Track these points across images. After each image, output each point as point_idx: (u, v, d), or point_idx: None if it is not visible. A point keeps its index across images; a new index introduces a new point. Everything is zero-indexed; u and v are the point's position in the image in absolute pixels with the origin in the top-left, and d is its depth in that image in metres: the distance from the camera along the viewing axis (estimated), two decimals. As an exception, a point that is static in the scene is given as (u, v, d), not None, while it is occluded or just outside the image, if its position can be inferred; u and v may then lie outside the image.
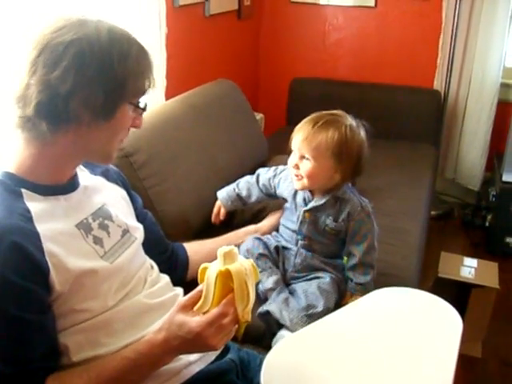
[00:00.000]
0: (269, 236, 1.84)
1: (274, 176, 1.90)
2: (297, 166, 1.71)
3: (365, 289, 1.68)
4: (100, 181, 1.36)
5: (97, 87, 1.09)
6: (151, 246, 1.45)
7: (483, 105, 3.49)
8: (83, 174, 1.30)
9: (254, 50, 3.95)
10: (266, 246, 1.77)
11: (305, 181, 1.70)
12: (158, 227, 1.59)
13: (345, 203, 1.73)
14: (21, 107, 1.09)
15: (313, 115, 1.72)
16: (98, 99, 1.09)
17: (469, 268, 2.45)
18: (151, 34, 2.39)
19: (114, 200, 1.36)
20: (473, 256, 2.60)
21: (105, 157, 1.23)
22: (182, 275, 1.61)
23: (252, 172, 2.46)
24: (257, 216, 2.05)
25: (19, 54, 1.10)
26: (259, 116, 3.45)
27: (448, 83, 3.54)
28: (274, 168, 1.92)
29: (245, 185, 1.95)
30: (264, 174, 1.93)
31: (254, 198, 1.94)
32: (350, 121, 1.72)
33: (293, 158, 1.72)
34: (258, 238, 1.79)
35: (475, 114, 3.55)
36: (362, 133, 1.74)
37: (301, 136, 1.68)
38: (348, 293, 1.71)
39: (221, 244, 1.66)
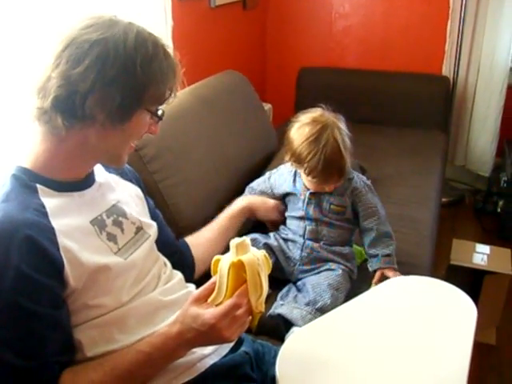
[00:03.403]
0: (270, 234, 1.85)
1: (269, 178, 1.94)
2: (321, 189, 1.76)
3: (393, 260, 1.70)
4: (114, 178, 1.36)
5: (116, 90, 1.09)
6: (160, 249, 1.44)
7: (492, 90, 3.47)
8: (99, 171, 1.30)
9: (261, 40, 3.93)
10: (267, 245, 1.79)
11: (326, 189, 1.76)
12: (169, 229, 1.58)
13: (348, 180, 1.76)
14: (40, 98, 1.09)
15: (302, 143, 1.70)
16: (115, 102, 1.09)
17: (481, 255, 2.44)
18: (157, 27, 2.37)
19: (129, 198, 1.36)
20: (485, 242, 2.59)
21: (115, 159, 1.23)
22: (190, 276, 1.59)
23: (261, 163, 2.47)
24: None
25: (46, 45, 1.11)
26: (267, 106, 3.44)
27: (457, 69, 3.51)
28: (265, 177, 1.98)
29: None
30: (256, 184, 1.99)
31: None
32: (332, 125, 1.70)
33: (313, 186, 1.77)
34: (258, 237, 1.81)
35: (485, 100, 3.53)
36: (342, 125, 1.72)
37: (314, 181, 1.73)
38: (378, 272, 1.70)
39: (215, 229, 1.72)
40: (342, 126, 1.71)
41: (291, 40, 3.91)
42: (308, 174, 1.71)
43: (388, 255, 1.70)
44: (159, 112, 1.20)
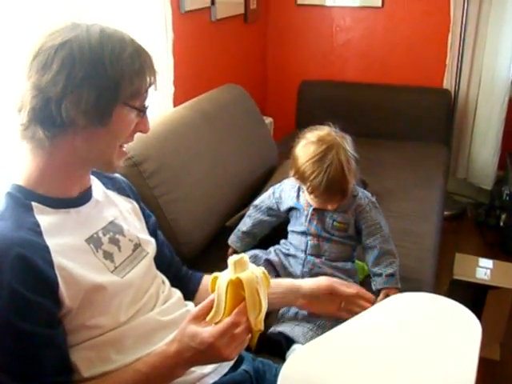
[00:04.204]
0: (271, 249, 1.82)
1: (273, 193, 1.91)
2: (324, 207, 1.74)
3: (396, 280, 1.68)
4: (111, 194, 1.34)
5: (88, 90, 1.07)
6: (160, 268, 1.42)
7: (494, 103, 3.46)
8: (96, 188, 1.29)
9: (262, 53, 3.93)
10: (268, 261, 1.77)
11: (329, 208, 1.74)
12: (169, 249, 1.55)
13: (353, 197, 1.75)
14: (21, 114, 1.09)
15: (306, 162, 1.67)
16: (89, 102, 1.07)
17: (484, 269, 2.42)
18: (158, 41, 2.37)
19: (126, 213, 1.34)
20: (488, 256, 2.57)
21: (106, 164, 1.21)
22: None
23: (262, 177, 2.46)
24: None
25: (19, 60, 1.10)
26: (268, 120, 3.43)
27: (458, 82, 3.52)
28: (269, 192, 1.93)
29: (247, 220, 1.93)
30: (260, 201, 1.94)
31: (260, 227, 1.92)
32: (337, 146, 1.67)
33: (316, 204, 1.74)
34: (259, 253, 1.78)
35: (486, 112, 3.52)
36: (348, 146, 1.70)
37: (316, 200, 1.72)
38: (382, 294, 1.67)
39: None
40: (348, 146, 1.69)
41: (292, 53, 3.91)
42: (311, 193, 1.70)
43: (391, 274, 1.68)
44: (145, 105, 1.18)
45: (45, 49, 1.06)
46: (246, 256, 1.13)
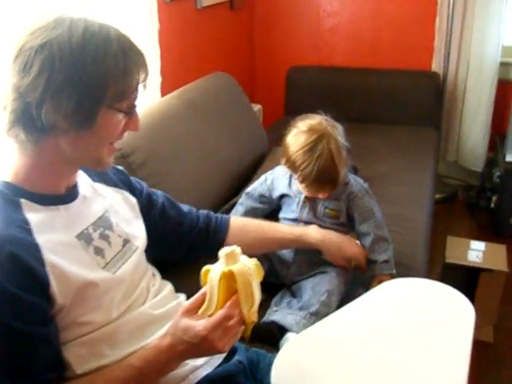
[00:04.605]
0: None
1: (265, 180, 1.90)
2: (315, 196, 1.74)
3: (391, 266, 1.69)
4: (99, 187, 1.31)
5: (68, 93, 1.03)
6: (172, 232, 1.49)
7: (483, 85, 3.45)
8: (83, 182, 1.26)
9: (249, 40, 3.91)
10: None
11: (320, 197, 1.74)
12: (175, 209, 1.55)
13: (344, 185, 1.75)
14: (4, 114, 1.06)
15: (297, 151, 1.68)
16: (70, 106, 1.03)
17: (476, 252, 2.42)
18: (143, 30, 2.35)
19: (116, 205, 1.32)
20: (479, 238, 2.57)
21: (96, 163, 1.18)
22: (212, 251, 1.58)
23: (253, 165, 2.44)
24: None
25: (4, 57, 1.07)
26: (257, 107, 3.42)
27: (446, 65, 3.50)
28: (261, 179, 1.92)
29: (239, 208, 1.92)
30: (253, 189, 1.92)
31: (252, 215, 1.89)
32: (328, 135, 1.67)
33: (307, 193, 1.74)
34: None
35: (475, 95, 3.51)
36: (339, 136, 1.70)
37: (307, 189, 1.72)
38: (376, 278, 1.68)
39: (264, 239, 1.67)
40: (339, 136, 1.69)
41: (279, 39, 3.88)
42: (301, 182, 1.70)
43: (386, 261, 1.69)
44: (128, 108, 1.13)
45: (25, 49, 1.02)
46: (238, 248, 1.12)
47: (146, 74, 1.13)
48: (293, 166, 1.69)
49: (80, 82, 1.03)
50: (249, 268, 1.11)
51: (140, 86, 1.13)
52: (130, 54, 1.09)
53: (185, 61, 2.87)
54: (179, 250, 1.58)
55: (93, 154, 1.14)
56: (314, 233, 1.68)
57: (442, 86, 3.53)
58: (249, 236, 1.65)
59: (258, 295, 1.12)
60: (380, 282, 1.64)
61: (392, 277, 1.67)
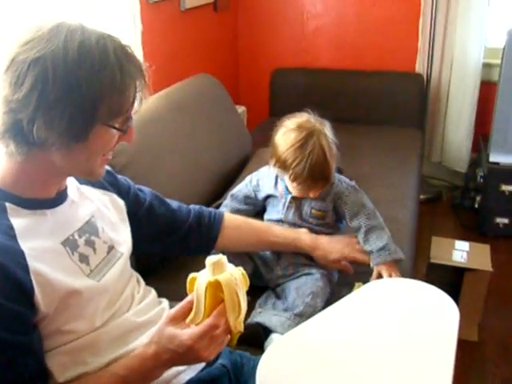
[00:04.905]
0: None
1: (251, 181, 1.89)
2: (305, 195, 1.73)
3: (389, 251, 1.66)
4: (86, 189, 1.29)
5: (61, 111, 0.99)
6: (162, 230, 1.50)
7: (466, 86, 3.47)
8: (70, 185, 1.24)
9: (233, 42, 3.90)
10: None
11: (311, 195, 1.73)
12: (163, 207, 1.55)
13: (330, 185, 1.74)
14: None
15: (288, 148, 1.67)
16: (62, 124, 1.00)
17: (461, 252, 2.42)
18: (126, 32, 2.33)
19: (103, 208, 1.31)
20: (464, 238, 2.58)
21: (87, 174, 1.17)
22: (206, 249, 1.62)
23: (237, 167, 2.43)
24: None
25: None
26: (241, 109, 3.41)
27: (430, 66, 3.52)
28: (246, 181, 1.91)
29: (223, 210, 1.88)
30: (238, 190, 1.91)
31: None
32: (318, 132, 1.67)
33: (297, 192, 1.73)
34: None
35: (459, 96, 3.53)
36: (328, 132, 1.70)
37: (299, 188, 1.70)
38: (374, 272, 1.67)
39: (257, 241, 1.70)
40: (328, 132, 1.69)
41: (263, 41, 3.88)
42: (293, 181, 1.69)
43: (381, 248, 1.66)
44: (121, 124, 1.10)
45: (17, 61, 0.99)
46: (224, 257, 1.12)
47: (145, 85, 1.10)
48: (283, 165, 1.67)
49: (73, 100, 1.00)
50: (235, 278, 1.11)
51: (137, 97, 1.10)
52: (127, 69, 1.05)
53: (168, 63, 2.86)
54: (170, 246, 1.60)
55: (84, 166, 1.12)
56: (305, 238, 1.70)
57: (426, 87, 3.55)
58: (242, 236, 1.67)
59: (244, 305, 1.13)
60: (378, 274, 1.65)
61: (394, 262, 1.65)
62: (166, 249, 1.62)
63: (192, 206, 1.64)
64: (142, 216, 1.47)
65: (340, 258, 1.69)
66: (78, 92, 0.99)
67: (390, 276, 1.62)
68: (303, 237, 1.71)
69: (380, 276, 1.64)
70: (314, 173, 1.64)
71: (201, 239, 1.61)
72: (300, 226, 1.75)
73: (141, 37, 2.44)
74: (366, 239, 1.69)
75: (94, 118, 1.03)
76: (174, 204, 1.59)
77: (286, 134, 1.68)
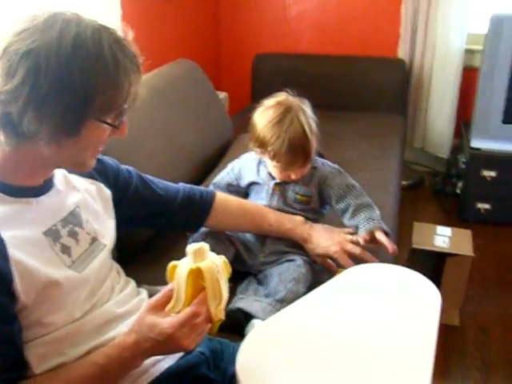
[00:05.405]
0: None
1: (233, 169, 1.87)
2: (287, 177, 1.72)
3: (379, 221, 1.64)
4: (73, 178, 1.27)
5: (53, 105, 0.97)
6: (149, 212, 1.52)
7: (449, 72, 3.47)
8: (58, 173, 1.22)
9: (215, 27, 3.86)
10: (227, 237, 1.73)
11: (292, 177, 1.71)
12: (150, 189, 1.53)
13: (313, 169, 1.74)
14: None
15: (267, 125, 1.66)
16: (54, 118, 0.98)
17: (442, 237, 2.43)
18: (105, 17, 2.29)
19: (88, 198, 1.28)
20: (446, 224, 2.59)
21: (77, 166, 1.16)
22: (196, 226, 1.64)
23: (218, 152, 2.42)
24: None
25: None
26: (223, 95, 3.39)
27: (412, 52, 3.52)
28: (228, 169, 1.89)
29: None
30: (220, 178, 1.89)
31: None
32: (296, 107, 1.66)
33: (279, 174, 1.72)
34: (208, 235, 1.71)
35: (441, 82, 3.53)
36: (308, 109, 1.69)
37: (279, 165, 1.68)
38: (363, 233, 1.64)
39: (245, 220, 1.70)
40: (307, 109, 1.68)
41: (245, 26, 3.85)
42: (272, 158, 1.67)
43: (371, 218, 1.65)
44: (114, 119, 1.08)
45: (10, 51, 0.96)
46: (206, 245, 1.10)
47: (136, 85, 1.08)
48: (262, 143, 1.66)
49: (65, 95, 0.98)
50: (217, 265, 1.09)
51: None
52: (122, 63, 1.03)
53: (149, 48, 2.78)
54: (159, 226, 1.65)
55: (75, 159, 1.11)
56: (300, 231, 1.69)
57: (408, 72, 3.54)
58: (233, 219, 1.68)
59: (225, 293, 1.11)
60: (371, 234, 1.63)
61: (384, 232, 1.63)
62: (155, 228, 1.68)
63: (182, 185, 1.63)
64: (129, 200, 1.46)
65: (324, 254, 1.68)
66: (71, 86, 0.98)
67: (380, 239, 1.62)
68: (298, 229, 1.69)
69: (372, 237, 1.63)
70: (293, 147, 1.62)
71: (190, 219, 1.61)
72: (284, 212, 1.73)
73: (121, 22, 2.39)
74: (354, 215, 1.68)
75: (87, 113, 1.02)
76: (162, 184, 1.58)
77: (264, 112, 1.68)
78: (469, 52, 3.47)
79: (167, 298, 1.10)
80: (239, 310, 1.55)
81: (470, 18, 3.38)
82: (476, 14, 3.43)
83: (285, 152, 1.62)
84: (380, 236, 1.62)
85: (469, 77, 3.49)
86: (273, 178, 1.75)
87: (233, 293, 1.64)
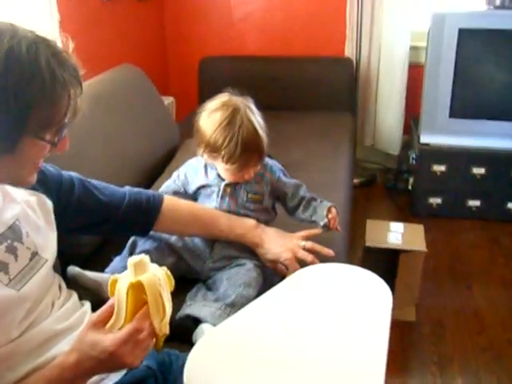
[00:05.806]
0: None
1: (178, 176, 1.83)
2: (240, 178, 1.69)
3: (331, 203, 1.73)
4: (12, 190, 1.20)
5: None
6: (93, 221, 1.48)
7: (395, 69, 3.50)
8: None
9: (159, 31, 3.81)
10: (168, 245, 1.68)
11: (246, 177, 1.69)
12: (94, 198, 1.49)
13: (263, 166, 1.73)
14: None
15: (216, 129, 1.62)
16: None
17: (395, 233, 2.44)
18: (42, 24, 2.23)
19: (29, 210, 1.22)
20: (399, 220, 2.60)
21: (15, 182, 1.10)
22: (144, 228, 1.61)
23: (164, 159, 2.37)
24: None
25: None
26: (170, 100, 3.34)
27: (359, 51, 3.54)
28: (173, 177, 1.85)
29: None
30: (166, 187, 1.84)
31: None
32: (243, 106, 1.64)
33: (232, 176, 1.69)
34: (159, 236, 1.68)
35: (388, 79, 3.56)
36: (253, 106, 1.68)
37: (234, 167, 1.64)
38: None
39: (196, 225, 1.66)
40: (253, 106, 1.66)
41: (191, 30, 3.81)
42: (227, 162, 1.63)
43: (323, 202, 1.73)
44: (52, 137, 1.03)
45: None
46: (146, 257, 1.04)
47: (80, 93, 1.04)
48: (214, 148, 1.62)
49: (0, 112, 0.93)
50: (159, 278, 1.04)
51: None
52: (59, 78, 0.98)
53: (90, 54, 2.74)
54: (105, 233, 1.63)
55: (13, 175, 1.06)
56: (252, 236, 1.66)
57: (356, 71, 3.57)
58: (182, 225, 1.64)
59: (169, 306, 1.06)
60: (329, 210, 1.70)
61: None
62: (101, 235, 1.65)
63: (128, 190, 1.58)
64: (72, 209, 1.41)
65: (275, 260, 1.65)
66: (5, 104, 0.93)
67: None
68: (250, 234, 1.66)
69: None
70: (247, 147, 1.59)
71: (136, 225, 1.57)
72: (236, 213, 1.70)
73: (58, 27, 2.33)
74: (307, 206, 1.73)
75: (22, 130, 0.97)
76: (107, 190, 1.53)
77: (211, 116, 1.64)
78: (414, 49, 3.51)
79: (109, 314, 1.04)
80: (188, 316, 1.50)
81: (414, 15, 3.41)
82: (419, 11, 3.47)
83: (240, 153, 1.59)
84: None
85: (416, 73, 3.52)
86: (222, 180, 1.71)
87: (182, 300, 1.59)
